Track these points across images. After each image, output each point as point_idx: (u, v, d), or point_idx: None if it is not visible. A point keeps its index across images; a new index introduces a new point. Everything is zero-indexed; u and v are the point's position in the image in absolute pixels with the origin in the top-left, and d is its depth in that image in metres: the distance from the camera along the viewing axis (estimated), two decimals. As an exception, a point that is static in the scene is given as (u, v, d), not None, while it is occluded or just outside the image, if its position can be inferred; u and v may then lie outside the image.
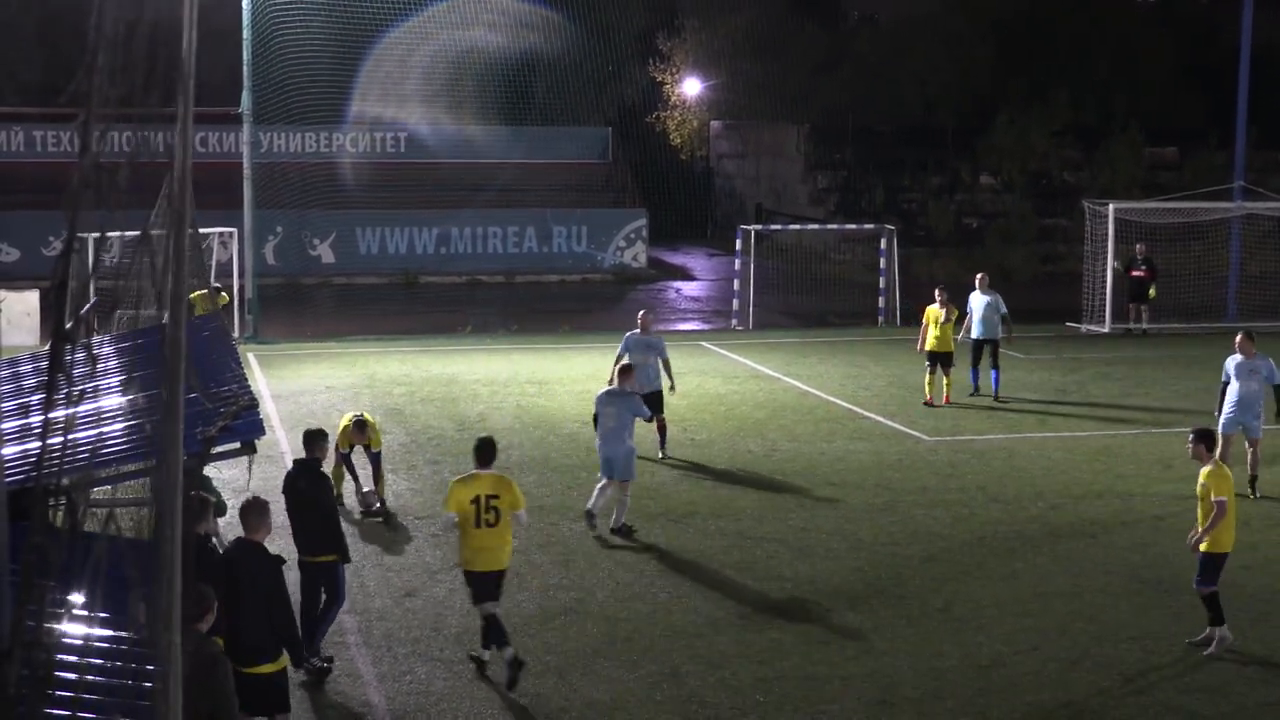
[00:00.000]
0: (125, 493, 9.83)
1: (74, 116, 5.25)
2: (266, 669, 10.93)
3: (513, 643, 13.16)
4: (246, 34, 31.93)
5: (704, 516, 18.34)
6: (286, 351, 30.40)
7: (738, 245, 36.32)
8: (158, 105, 5.14)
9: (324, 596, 13.44)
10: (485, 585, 13.39)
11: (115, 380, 11.33)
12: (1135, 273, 33.43)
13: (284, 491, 13.80)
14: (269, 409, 23.36)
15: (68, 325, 5.31)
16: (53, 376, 5.21)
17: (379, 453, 18.40)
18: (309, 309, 36.23)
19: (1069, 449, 22.13)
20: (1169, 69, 54.19)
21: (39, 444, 5.35)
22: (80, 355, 5.28)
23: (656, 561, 16.60)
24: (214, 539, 11.79)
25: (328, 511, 13.46)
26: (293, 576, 13.18)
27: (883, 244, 36.11)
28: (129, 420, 9.66)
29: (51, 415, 5.35)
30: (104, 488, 9.43)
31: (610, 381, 19.19)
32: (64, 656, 6.28)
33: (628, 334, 21.71)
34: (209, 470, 14.22)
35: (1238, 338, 19.60)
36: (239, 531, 11.53)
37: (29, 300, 30.72)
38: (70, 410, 5.29)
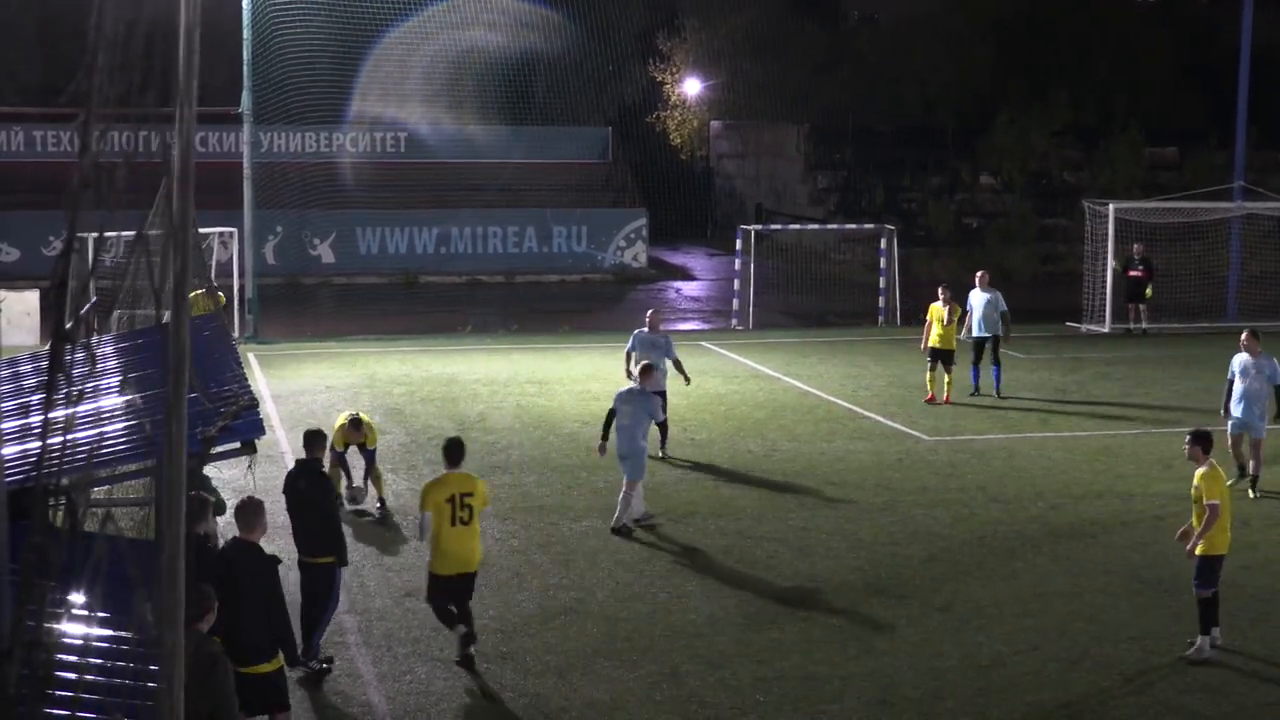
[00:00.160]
0: (125, 493, 9.84)
1: (74, 116, 5.25)
2: (265, 668, 10.97)
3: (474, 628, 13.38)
4: (246, 34, 31.93)
5: (704, 516, 18.34)
6: (286, 351, 30.39)
7: (738, 245, 36.31)
8: (157, 105, 5.14)
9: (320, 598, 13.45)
10: (454, 591, 13.43)
11: (115, 380, 11.32)
12: (1133, 273, 33.42)
13: (284, 492, 13.82)
14: (269, 409, 23.36)
15: (68, 325, 5.31)
16: (53, 376, 5.21)
17: (374, 450, 18.47)
18: (309, 309, 36.25)
19: (1069, 449, 22.13)
20: (1169, 69, 54.21)
21: (39, 444, 5.34)
22: (80, 355, 5.27)
23: (656, 561, 16.60)
24: (212, 539, 11.79)
25: (328, 512, 13.47)
26: (292, 577, 13.20)
27: (883, 244, 36.11)
28: (129, 420, 9.65)
29: (51, 415, 5.35)
30: (104, 487, 9.44)
31: (629, 376, 19.32)
32: (64, 656, 6.28)
33: (636, 331, 21.80)
34: (209, 470, 14.22)
35: (1243, 336, 19.58)
36: (236, 531, 11.54)
37: (29, 300, 30.71)
38: (70, 410, 5.28)
